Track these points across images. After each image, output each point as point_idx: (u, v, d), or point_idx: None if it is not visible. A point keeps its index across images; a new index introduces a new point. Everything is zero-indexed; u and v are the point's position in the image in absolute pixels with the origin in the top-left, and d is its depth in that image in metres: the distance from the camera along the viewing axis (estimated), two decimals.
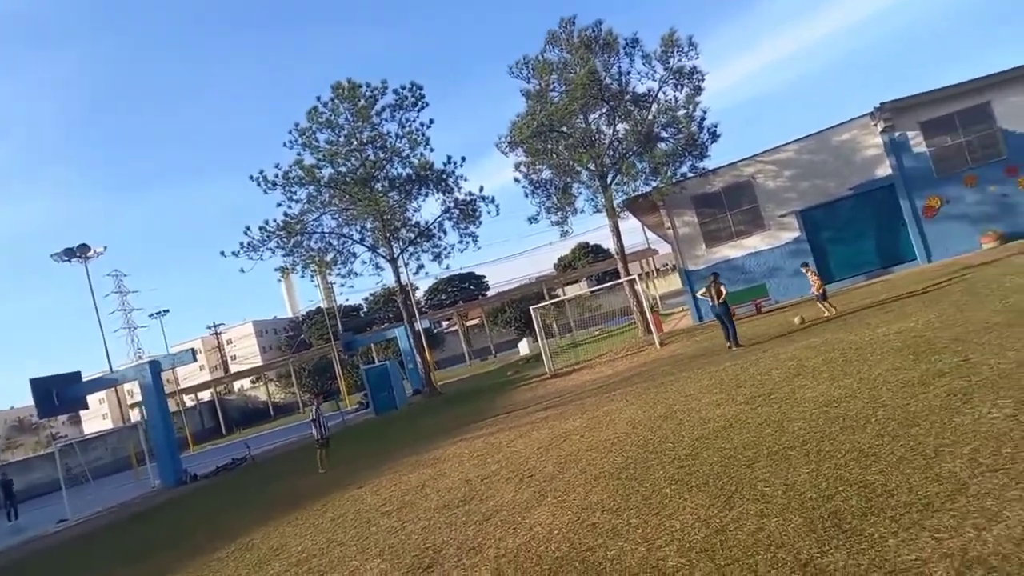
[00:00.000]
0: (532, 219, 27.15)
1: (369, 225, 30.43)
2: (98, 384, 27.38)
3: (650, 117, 25.13)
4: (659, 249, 62.27)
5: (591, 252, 78.56)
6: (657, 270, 71.57)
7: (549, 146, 26.08)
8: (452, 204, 30.20)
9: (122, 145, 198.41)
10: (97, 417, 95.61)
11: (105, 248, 42.14)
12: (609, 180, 25.62)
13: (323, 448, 15.38)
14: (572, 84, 24.18)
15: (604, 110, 25.79)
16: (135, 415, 62.89)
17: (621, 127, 25.87)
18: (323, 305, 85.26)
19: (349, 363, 60.35)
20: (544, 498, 6.94)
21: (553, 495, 6.94)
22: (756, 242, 25.44)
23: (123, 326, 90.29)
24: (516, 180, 26.99)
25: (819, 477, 5.08)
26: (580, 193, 26.80)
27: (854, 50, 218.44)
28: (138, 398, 45.91)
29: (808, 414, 7.13)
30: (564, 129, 25.34)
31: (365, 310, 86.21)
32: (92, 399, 33.72)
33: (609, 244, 69.69)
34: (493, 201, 30.28)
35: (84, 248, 40.92)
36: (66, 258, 40.64)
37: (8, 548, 17.35)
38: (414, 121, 29.29)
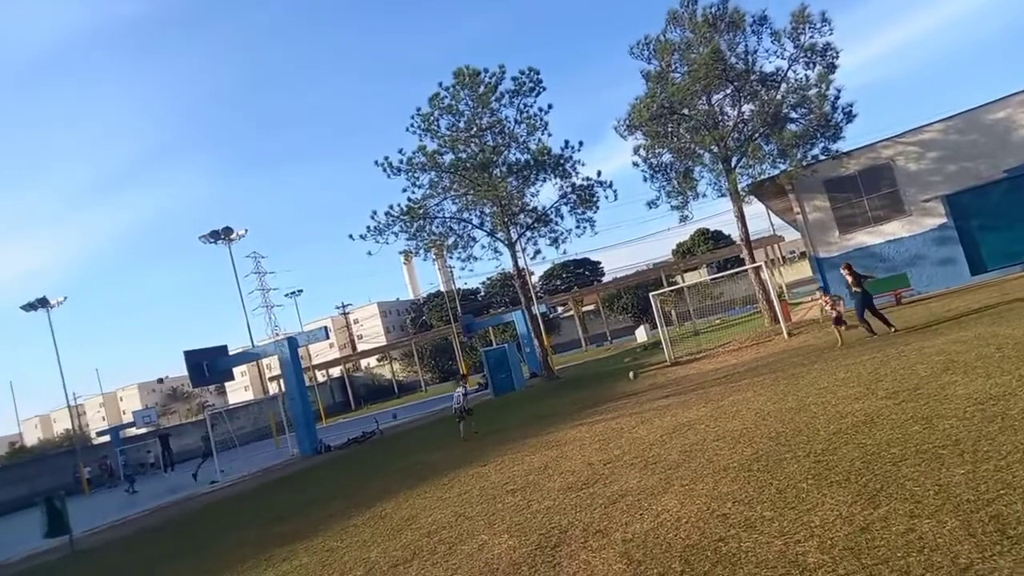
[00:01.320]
0: (651, 204, 26.68)
1: (488, 210, 30.98)
2: (242, 358, 29.61)
3: (778, 97, 23.97)
4: (786, 236, 59.51)
5: (711, 238, 76.18)
6: (783, 257, 68.43)
7: (670, 129, 25.46)
8: (569, 189, 30.23)
9: (261, 132, 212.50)
10: (239, 389, 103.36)
11: (246, 231, 45.28)
12: (733, 163, 24.72)
13: (464, 419, 16.53)
14: (695, 64, 23.45)
15: (728, 91, 24.84)
16: (273, 388, 67.40)
17: (747, 108, 24.88)
18: (443, 288, 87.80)
19: (468, 345, 61.85)
20: (670, 485, 6.89)
21: (679, 483, 6.88)
22: (896, 228, 23.80)
23: (261, 304, 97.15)
24: (635, 164, 26.55)
25: (976, 479, 4.75)
26: (702, 177, 26.04)
27: (1004, 25, 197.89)
28: (276, 372, 49.21)
29: (961, 412, 6.66)
30: (685, 111, 24.65)
31: (483, 293, 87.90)
32: (236, 371, 36.50)
33: (732, 230, 67.32)
34: (611, 186, 30.08)
35: (228, 231, 44.17)
36: (212, 240, 44.04)
37: (170, 504, 19.17)
38: (532, 106, 29.50)
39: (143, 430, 51.81)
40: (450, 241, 31.13)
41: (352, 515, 9.95)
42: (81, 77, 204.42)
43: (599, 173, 30.08)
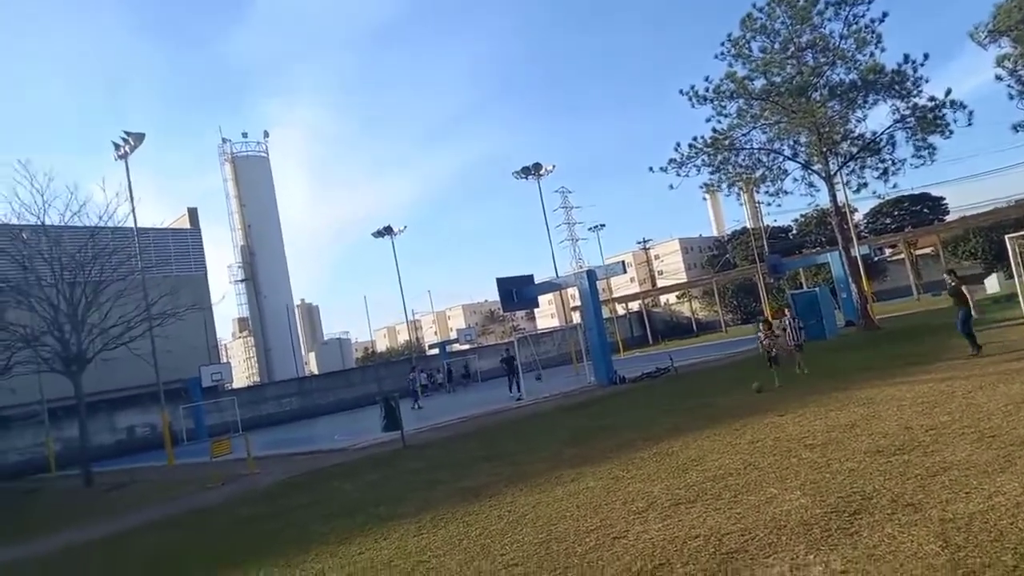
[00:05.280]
0: (1018, 127, 22.00)
1: (803, 139, 28.25)
2: (546, 287, 31.50)
3: None
4: None
5: None
6: None
7: None
8: (908, 112, 26.09)
9: (570, 70, 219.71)
10: (547, 315, 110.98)
11: (554, 167, 47.53)
12: None
13: (775, 365, 15.66)
14: None
15: None
16: (576, 317, 71.05)
17: None
18: (749, 225, 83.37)
19: (774, 286, 58.34)
20: (1011, 464, 5.77)
21: None
22: None
23: (566, 238, 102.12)
24: (998, 78, 22.10)
25: None
26: None
27: None
28: (578, 302, 51.78)
29: None
30: None
31: (794, 232, 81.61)
32: (542, 299, 39.08)
33: None
34: (964, 107, 25.20)
35: (537, 167, 46.83)
36: (523, 176, 47.10)
37: (482, 414, 21.39)
38: (862, 16, 25.75)
39: (465, 346, 58.39)
40: (758, 174, 29.11)
41: (639, 448, 10.09)
42: (422, 40, 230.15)
43: (948, 92, 25.36)
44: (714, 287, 66.97)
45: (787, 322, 17.53)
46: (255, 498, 12.69)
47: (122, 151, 25.42)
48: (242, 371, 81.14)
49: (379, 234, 52.39)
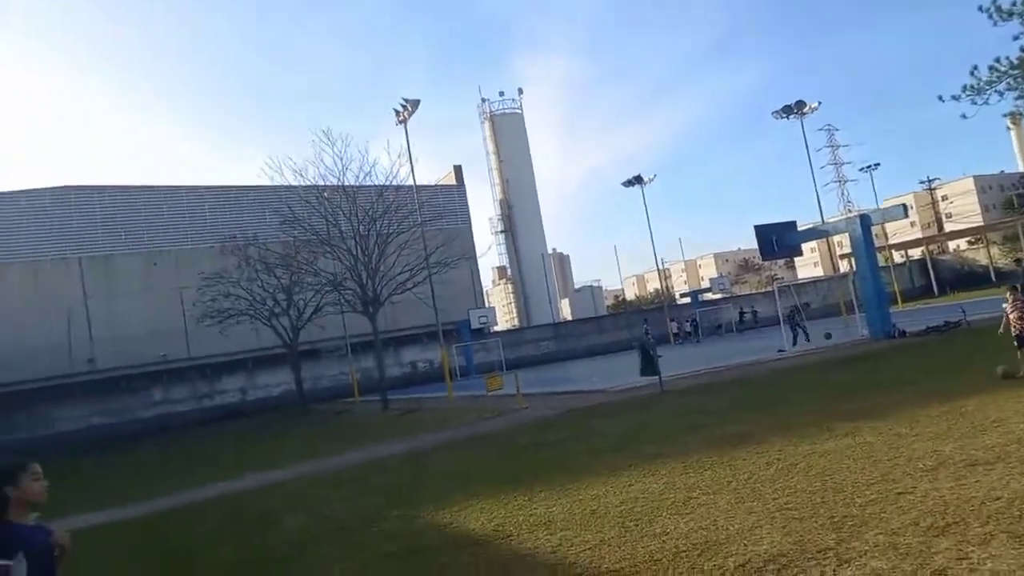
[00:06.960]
0: None
1: None
2: (811, 234, 29.36)
3: None
4: None
5: None
6: None
7: None
8: None
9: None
10: (808, 264, 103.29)
11: (819, 104, 43.50)
12: None
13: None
14: None
15: None
16: (843, 266, 65.36)
17: None
18: None
19: None
20: None
21: None
22: None
23: (833, 179, 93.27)
24: None
25: None
26: None
27: None
28: (847, 250, 47.54)
29: None
30: None
31: None
32: (805, 247, 36.53)
33: None
34: None
35: (800, 105, 43.22)
36: (784, 115, 43.85)
37: (741, 364, 20.83)
38: None
39: (717, 295, 56.71)
40: None
41: (924, 405, 9.32)
42: None
43: None
44: (1019, 230, 57.12)
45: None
46: (527, 430, 13.90)
47: (401, 117, 28.23)
48: (502, 315, 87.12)
49: (629, 183, 52.33)
